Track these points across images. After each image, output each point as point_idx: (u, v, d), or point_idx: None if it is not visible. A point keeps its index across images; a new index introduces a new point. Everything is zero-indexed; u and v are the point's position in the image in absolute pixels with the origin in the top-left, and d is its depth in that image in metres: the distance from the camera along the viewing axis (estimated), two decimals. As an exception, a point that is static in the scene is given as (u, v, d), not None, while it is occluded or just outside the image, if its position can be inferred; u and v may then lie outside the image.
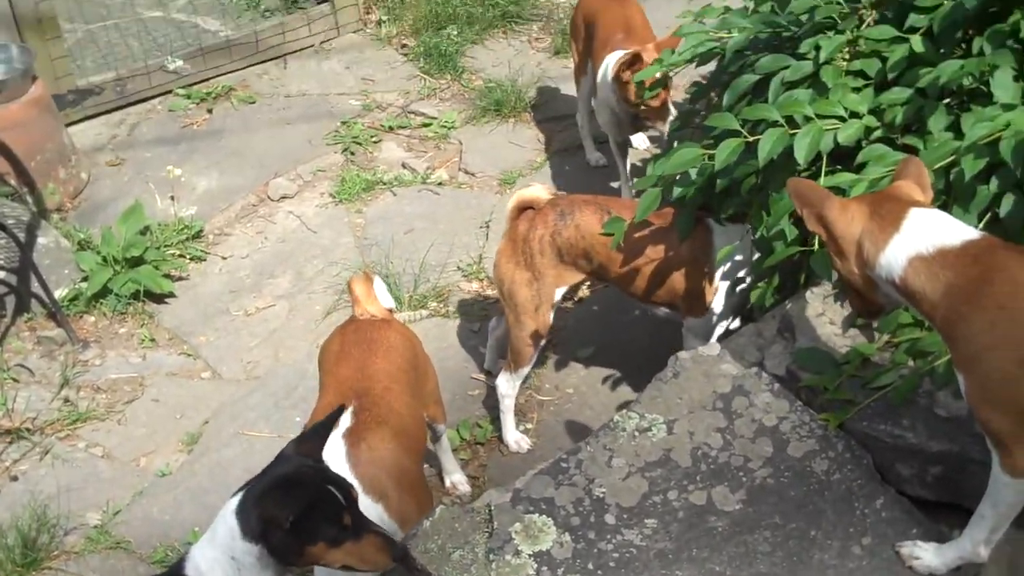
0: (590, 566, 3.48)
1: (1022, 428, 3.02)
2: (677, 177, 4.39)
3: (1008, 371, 3.00)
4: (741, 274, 4.72)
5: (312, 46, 8.34)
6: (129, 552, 5.04)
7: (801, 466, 3.70)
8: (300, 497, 3.25)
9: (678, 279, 4.82)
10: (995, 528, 3.25)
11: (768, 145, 3.95)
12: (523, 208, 5.06)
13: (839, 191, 3.97)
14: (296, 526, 3.22)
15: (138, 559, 5.01)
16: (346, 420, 4.02)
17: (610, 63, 6.06)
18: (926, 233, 3.15)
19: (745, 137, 4.05)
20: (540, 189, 5.12)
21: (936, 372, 3.68)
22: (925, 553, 3.42)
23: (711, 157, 4.11)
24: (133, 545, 5.07)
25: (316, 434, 3.54)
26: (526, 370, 5.19)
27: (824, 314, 4.03)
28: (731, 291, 4.79)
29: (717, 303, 4.81)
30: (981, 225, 3.84)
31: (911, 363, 3.77)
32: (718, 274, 4.75)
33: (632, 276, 4.89)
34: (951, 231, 3.16)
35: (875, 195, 3.36)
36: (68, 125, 7.44)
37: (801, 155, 3.95)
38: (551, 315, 5.08)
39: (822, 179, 4.00)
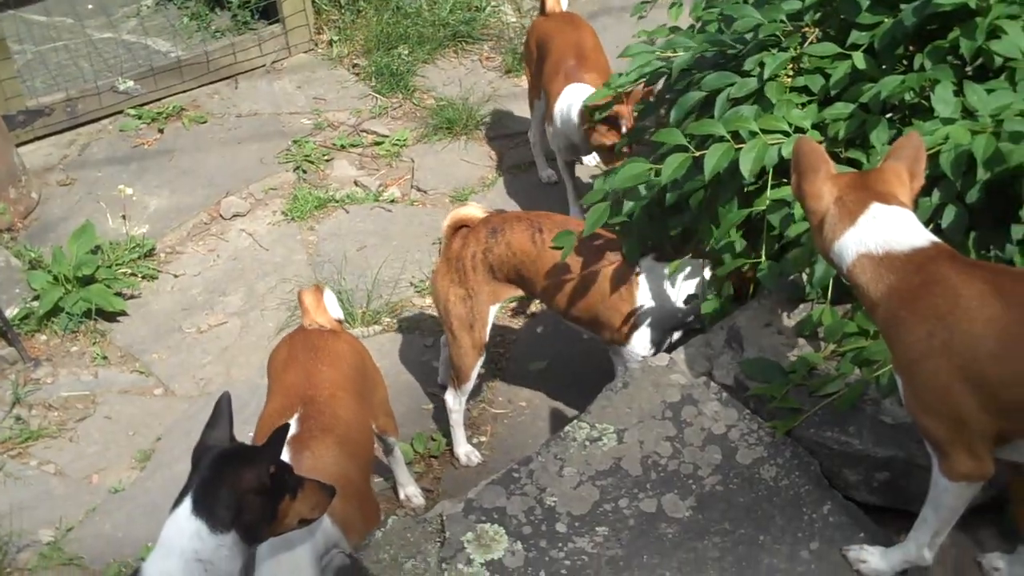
0: (542, 574, 3.52)
1: (958, 434, 3.09)
2: (624, 193, 4.44)
3: (944, 381, 3.06)
4: (662, 312, 4.73)
5: (263, 66, 8.34)
6: (82, 568, 5.03)
7: (750, 473, 3.76)
8: (263, 453, 3.29)
9: (599, 306, 4.83)
10: (938, 532, 3.31)
11: (714, 160, 4.01)
12: (458, 226, 5.14)
13: (784, 204, 4.05)
14: (274, 479, 3.27)
15: (91, 575, 5.00)
16: (291, 427, 4.03)
17: (573, 102, 6.13)
18: (878, 233, 3.20)
19: (692, 152, 4.11)
20: (474, 208, 5.20)
21: (881, 381, 3.76)
22: (872, 557, 3.48)
23: (659, 172, 4.16)
24: (86, 561, 5.06)
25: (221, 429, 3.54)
26: (470, 385, 5.22)
27: (771, 324, 4.10)
28: (652, 326, 4.78)
29: (635, 337, 4.80)
30: (923, 237, 3.90)
31: (857, 372, 3.85)
32: (638, 309, 4.74)
33: (555, 294, 4.93)
34: (903, 235, 3.20)
35: (853, 177, 3.36)
36: (18, 145, 7.40)
37: (746, 169, 4.01)
38: (487, 331, 5.10)
39: (768, 192, 4.07)
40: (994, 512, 3.64)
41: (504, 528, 3.62)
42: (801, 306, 4.12)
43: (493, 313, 5.11)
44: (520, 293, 5.19)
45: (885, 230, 3.21)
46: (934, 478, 3.21)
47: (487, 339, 5.13)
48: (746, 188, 4.22)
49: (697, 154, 4.09)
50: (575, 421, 3.92)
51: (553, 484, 3.74)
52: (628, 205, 4.45)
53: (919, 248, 3.18)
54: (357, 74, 8.30)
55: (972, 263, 3.27)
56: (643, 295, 4.68)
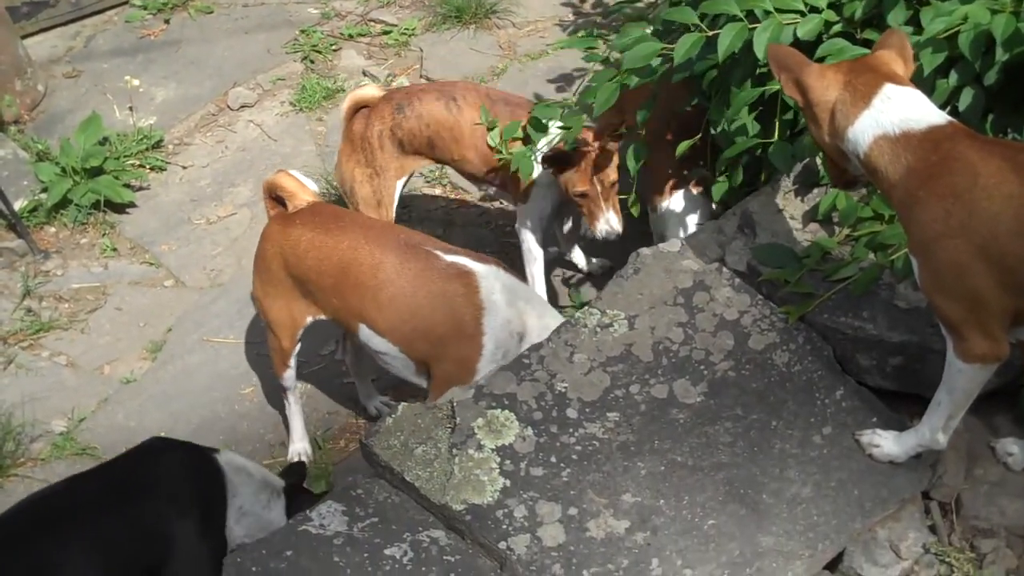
0: (553, 459, 3.51)
1: (974, 315, 3.05)
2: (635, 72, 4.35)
3: (962, 260, 3.01)
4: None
5: (270, -46, 8.21)
6: (96, 458, 5.03)
7: (762, 358, 3.73)
8: None
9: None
10: (952, 415, 3.28)
11: (728, 40, 3.91)
12: (357, 107, 5.12)
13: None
14: None
15: (105, 465, 5.01)
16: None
17: None
18: (894, 112, 3.14)
19: (705, 32, 4.02)
20: (373, 88, 5.24)
21: (896, 265, 3.71)
22: (884, 441, 3.46)
23: (670, 52, 4.08)
24: (100, 451, 5.08)
25: None
26: None
27: (784, 210, 4.04)
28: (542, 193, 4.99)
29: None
30: (941, 119, 3.83)
31: (871, 256, 3.79)
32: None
33: (472, 157, 5.03)
34: (919, 113, 3.14)
35: (854, 63, 3.31)
36: (23, 38, 7.33)
37: (760, 50, 3.92)
38: (394, 208, 5.13)
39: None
40: (1008, 397, 3.62)
41: (515, 414, 3.60)
42: (815, 191, 4.05)
43: (400, 188, 5.16)
44: (428, 164, 5.30)
45: (901, 109, 3.14)
46: (948, 360, 3.17)
47: (393, 215, 5.15)
48: (759, 69, 4.13)
49: (710, 34, 4.00)
50: (585, 307, 3.89)
51: (563, 370, 3.71)
52: (635, 81, 4.35)
53: (936, 126, 3.12)
54: (365, -39, 8.16)
55: (990, 141, 3.22)
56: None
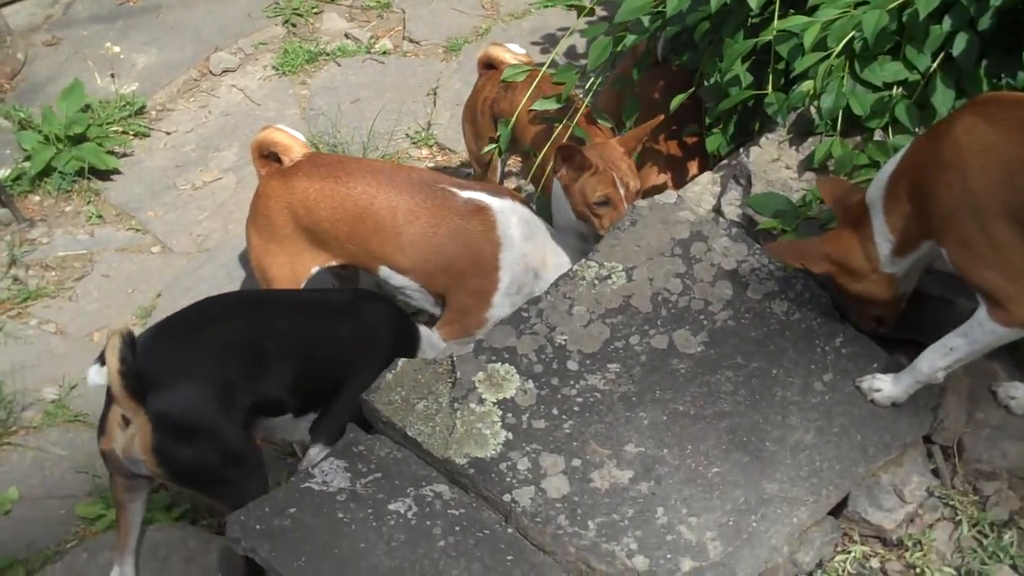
0: (554, 411, 3.50)
1: (1012, 282, 3.09)
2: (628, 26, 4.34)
3: (977, 223, 3.06)
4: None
5: (247, -83, 8.13)
6: (88, 425, 4.99)
7: (761, 307, 3.72)
8: None
9: None
10: (960, 361, 3.30)
11: (719, -11, 3.91)
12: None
13: (792, 35, 3.96)
14: None
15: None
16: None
17: None
18: (878, 186, 3.32)
19: (697, -19, 4.01)
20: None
21: (893, 212, 3.69)
22: (884, 384, 3.47)
23: (663, 3, 4.06)
24: (91, 418, 5.01)
25: None
26: None
27: (780, 159, 4.03)
28: None
29: None
30: (935, 65, 3.84)
31: (867, 203, 3.78)
32: None
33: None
34: (889, 164, 3.33)
35: (845, 220, 3.48)
36: (1, 6, 7.25)
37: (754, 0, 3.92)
38: None
39: (775, 22, 3.97)
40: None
41: (515, 367, 3.59)
42: (809, 139, 4.05)
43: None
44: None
45: (878, 180, 3.35)
46: (979, 319, 3.18)
47: None
48: (751, 19, 4.12)
49: (702, -16, 3.99)
50: (583, 260, 3.87)
51: (563, 323, 3.70)
52: (630, 38, 4.34)
53: (905, 151, 3.31)
54: (344, -77, 8.10)
55: (955, 111, 3.36)
56: None
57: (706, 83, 4.32)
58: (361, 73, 6.86)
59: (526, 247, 4.30)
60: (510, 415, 3.49)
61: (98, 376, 3.57)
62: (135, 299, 5.66)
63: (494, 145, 4.84)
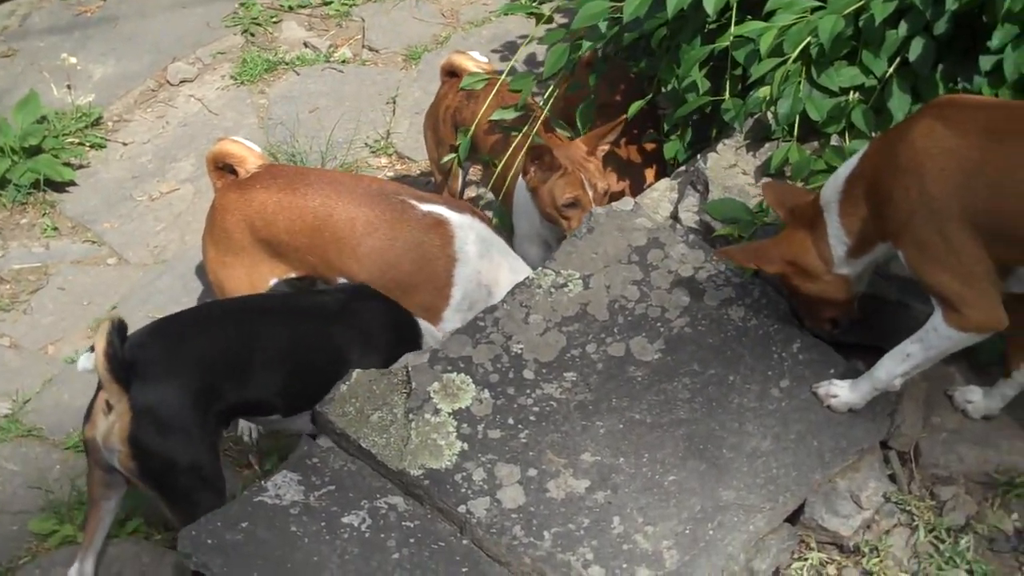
0: (510, 421, 3.47)
1: (967, 286, 3.09)
2: (583, 32, 4.32)
3: (933, 227, 3.06)
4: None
5: (205, -73, 8.08)
6: (41, 439, 4.93)
7: (718, 314, 3.71)
8: None
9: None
10: (918, 367, 3.29)
11: (676, -5, 3.89)
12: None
13: (748, 41, 3.95)
14: None
15: (51, 445, 4.90)
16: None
17: None
18: (833, 188, 3.31)
19: (653, -13, 3.98)
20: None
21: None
22: (841, 390, 3.46)
23: (619, 10, 4.04)
24: (45, 432, 4.96)
25: None
26: None
27: (737, 165, 4.02)
28: None
29: None
30: (891, 69, 3.83)
31: (823, 209, 3.77)
32: None
33: None
34: (845, 166, 3.33)
35: (795, 219, 3.46)
36: (-45, 17, 7.20)
37: (711, 6, 3.90)
38: None
39: (732, 28, 3.96)
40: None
41: (471, 377, 3.56)
42: (766, 145, 4.04)
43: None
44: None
45: (833, 186, 3.33)
46: (934, 324, 3.18)
47: None
48: (708, 25, 4.11)
49: (659, -11, 3.97)
50: (540, 268, 3.85)
51: (519, 331, 3.67)
52: (586, 45, 4.32)
53: (862, 154, 3.31)
54: (300, -67, 8.05)
55: (914, 115, 3.34)
56: None
57: (664, 89, 4.30)
58: (320, 82, 6.81)
59: (481, 264, 4.25)
60: (465, 425, 3.46)
61: (87, 362, 3.73)
62: (91, 311, 5.59)
63: (454, 155, 4.81)
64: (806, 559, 3.33)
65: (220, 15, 7.36)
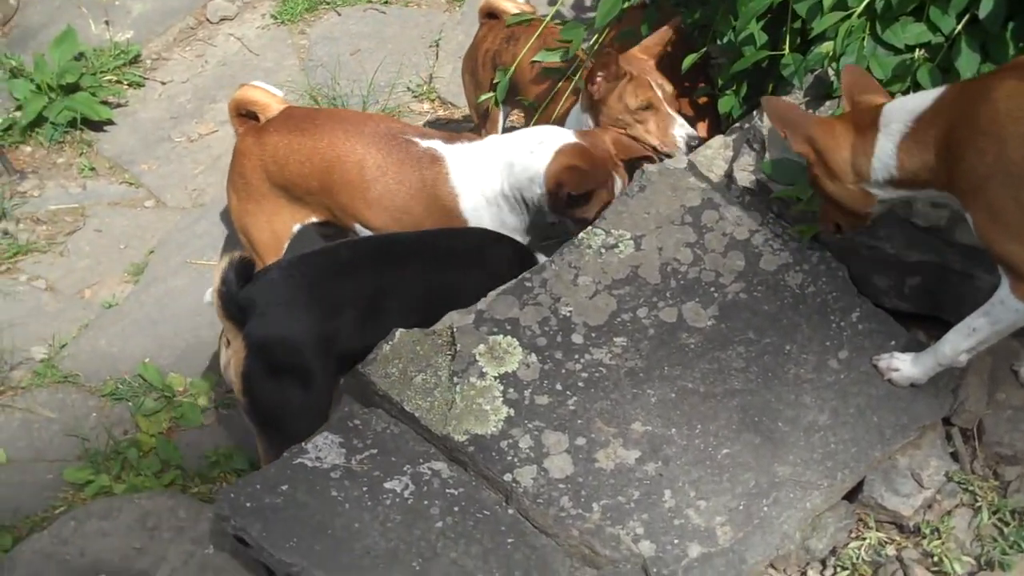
0: (558, 386, 3.36)
1: None
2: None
3: (1010, 193, 2.91)
4: None
5: None
6: (78, 385, 4.89)
7: (775, 280, 3.58)
8: None
9: None
10: (984, 342, 3.15)
11: (735, -57, 3.73)
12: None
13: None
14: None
15: (88, 392, 4.86)
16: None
17: None
18: (901, 116, 3.12)
19: (712, -64, 3.83)
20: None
21: (913, 180, 3.54)
22: (903, 364, 3.33)
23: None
24: (82, 378, 4.92)
25: None
26: None
27: (796, 123, 3.86)
28: None
29: None
30: (960, 27, 3.67)
31: (887, 171, 3.62)
32: None
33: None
34: (917, 100, 3.14)
35: (853, 111, 3.30)
36: (-8, -51, 7.07)
37: (772, -46, 3.75)
38: None
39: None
40: (1031, 318, 3.48)
41: (517, 340, 3.45)
42: (827, 103, 3.87)
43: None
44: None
45: (904, 108, 3.14)
46: (1001, 296, 3.04)
47: None
48: (769, -22, 3.95)
49: (718, -61, 3.81)
50: (589, 228, 3.72)
51: (568, 293, 3.55)
52: (640, -7, 4.18)
53: (938, 95, 3.11)
54: None
55: (995, 70, 3.19)
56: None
57: (719, 41, 4.14)
58: (362, 23, 6.69)
59: (483, 186, 4.15)
60: (512, 390, 3.35)
61: (209, 297, 3.74)
62: (127, 255, 5.54)
63: (491, 94, 4.69)
64: (864, 539, 3.22)
65: (261, -49, 7.23)
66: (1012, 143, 2.87)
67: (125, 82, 6.40)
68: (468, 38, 5.78)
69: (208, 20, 6.83)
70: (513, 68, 4.62)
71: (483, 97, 4.76)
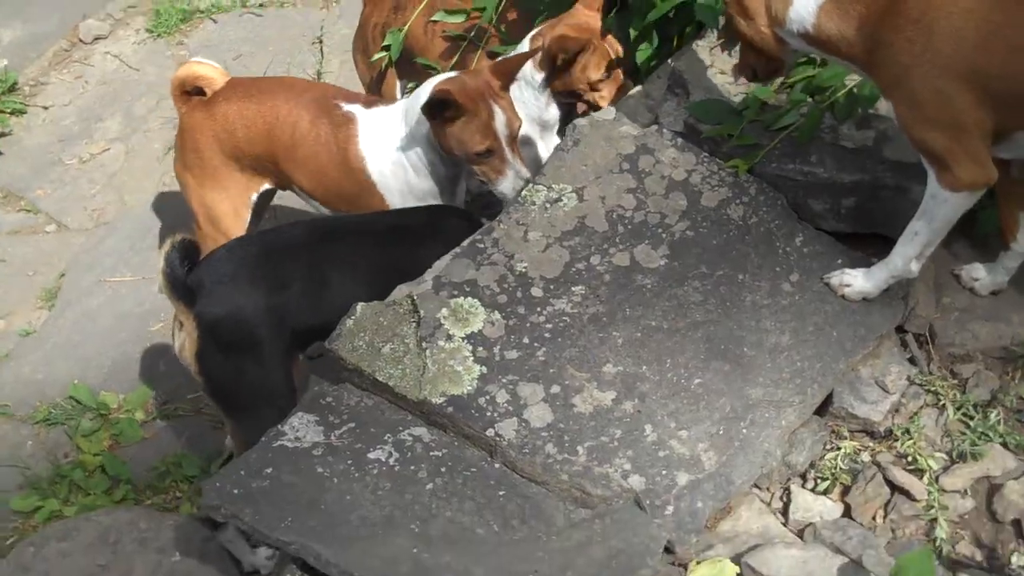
0: (526, 340, 3.41)
1: (958, 142, 3.03)
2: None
3: (935, 84, 2.99)
4: None
5: None
6: (8, 416, 4.80)
7: (717, 215, 3.67)
8: None
9: None
10: (928, 243, 3.27)
11: None
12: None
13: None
14: None
15: (19, 421, 4.79)
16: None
17: None
18: None
19: None
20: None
21: (837, 105, 3.66)
22: (855, 279, 3.44)
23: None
24: (11, 409, 4.83)
25: None
26: None
27: (714, 65, 3.96)
28: None
29: None
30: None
31: (809, 100, 3.74)
32: None
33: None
34: None
35: None
36: None
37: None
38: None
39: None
40: (965, 223, 3.60)
41: (478, 300, 3.48)
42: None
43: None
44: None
45: None
46: (931, 191, 3.15)
47: None
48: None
49: None
50: (530, 185, 3.77)
51: (520, 249, 3.60)
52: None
53: None
54: None
55: None
56: None
57: (629, -2, 4.23)
58: (240, 28, 6.66)
59: (389, 148, 4.18)
60: (481, 348, 3.38)
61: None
62: (37, 282, 5.44)
63: (383, 53, 4.71)
64: (840, 448, 3.31)
65: (126, -32, 7.15)
66: (942, 36, 2.95)
67: (6, 111, 6.29)
68: (351, 31, 5.77)
69: (82, 41, 6.72)
70: (407, 27, 4.65)
71: (375, 56, 4.75)
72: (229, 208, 4.40)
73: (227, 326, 3.60)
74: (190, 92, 4.38)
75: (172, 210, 5.58)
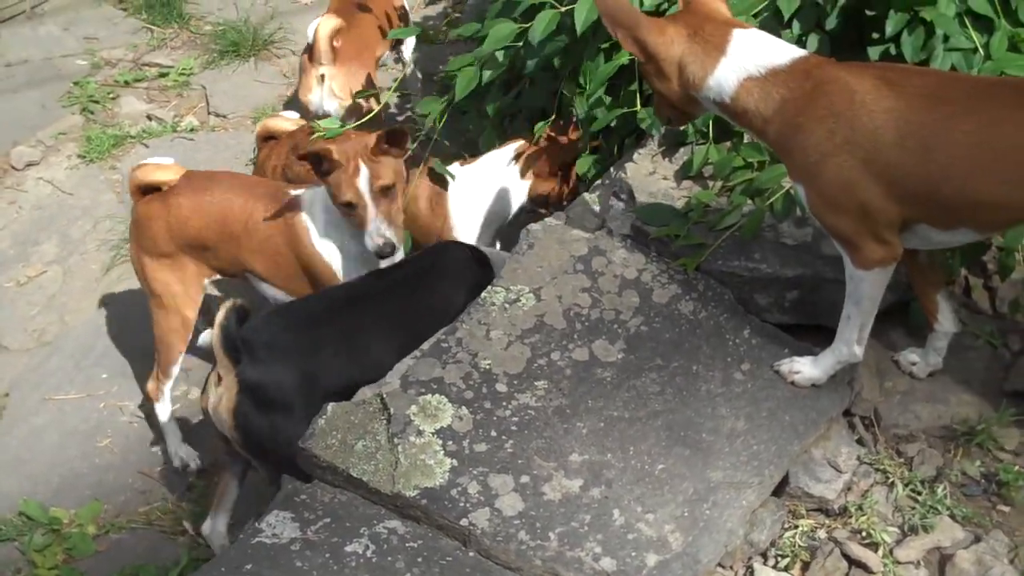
0: (493, 433, 3.53)
1: (865, 224, 3.25)
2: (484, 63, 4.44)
3: (848, 175, 3.19)
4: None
5: (23, 12, 7.94)
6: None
7: (669, 310, 3.85)
8: None
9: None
10: (863, 325, 3.47)
11: (584, 12, 4.04)
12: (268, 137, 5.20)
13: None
14: None
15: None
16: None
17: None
18: (754, 55, 3.30)
19: (559, 8, 4.13)
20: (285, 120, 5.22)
21: (776, 206, 3.88)
22: (804, 366, 3.62)
23: (526, 31, 4.18)
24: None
25: None
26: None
27: (656, 172, 4.18)
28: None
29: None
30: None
31: (750, 202, 3.96)
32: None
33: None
34: (777, 50, 3.32)
35: (689, 15, 3.41)
36: None
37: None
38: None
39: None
40: (900, 313, 3.84)
41: (446, 396, 3.61)
42: (681, 150, 4.21)
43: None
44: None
45: (759, 50, 3.31)
46: (849, 273, 3.37)
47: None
48: (604, 45, 4.27)
49: (564, 9, 4.11)
50: (489, 288, 3.92)
51: (483, 348, 3.74)
52: (487, 74, 4.44)
53: (800, 57, 3.31)
54: (125, 9, 8.00)
55: (857, 64, 3.39)
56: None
57: (572, 108, 4.43)
58: (172, 152, 6.70)
59: (324, 218, 4.39)
60: (451, 442, 3.50)
61: (207, 337, 4.16)
62: (-18, 403, 5.42)
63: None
64: (797, 526, 3.47)
65: (55, 96, 7.29)
66: (862, 132, 3.14)
67: (-60, 239, 6.30)
68: (283, 152, 5.96)
69: (13, 167, 6.77)
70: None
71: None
72: (181, 291, 4.65)
73: (268, 387, 3.79)
74: (145, 191, 4.63)
75: (114, 329, 5.64)
